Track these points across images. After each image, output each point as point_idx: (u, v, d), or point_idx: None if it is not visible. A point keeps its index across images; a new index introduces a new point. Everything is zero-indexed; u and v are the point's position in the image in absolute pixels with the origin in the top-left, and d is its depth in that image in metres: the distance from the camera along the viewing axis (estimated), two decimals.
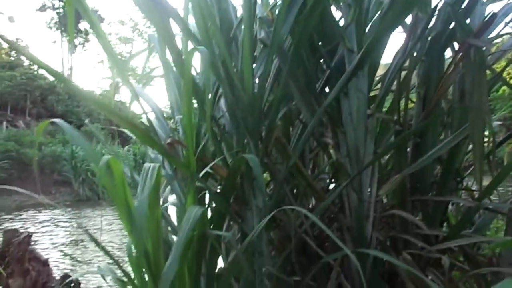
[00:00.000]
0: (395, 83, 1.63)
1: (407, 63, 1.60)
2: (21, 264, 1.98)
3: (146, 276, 1.42)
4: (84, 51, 36.33)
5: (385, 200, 1.75)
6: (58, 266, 5.43)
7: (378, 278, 1.53)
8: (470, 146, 1.53)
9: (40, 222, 9.72)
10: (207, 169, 1.42)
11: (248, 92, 1.32)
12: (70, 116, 21.39)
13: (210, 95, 1.60)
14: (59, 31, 32.90)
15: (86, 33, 31.82)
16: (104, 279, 2.72)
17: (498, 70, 1.68)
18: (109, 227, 8.99)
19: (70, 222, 10.07)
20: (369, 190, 1.52)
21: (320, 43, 1.58)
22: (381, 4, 1.62)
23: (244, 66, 1.31)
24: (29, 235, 2.05)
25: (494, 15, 1.44)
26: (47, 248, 6.65)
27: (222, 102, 1.76)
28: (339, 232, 1.63)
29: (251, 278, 1.41)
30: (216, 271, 1.50)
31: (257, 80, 1.41)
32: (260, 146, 1.42)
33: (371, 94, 1.63)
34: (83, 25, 29.95)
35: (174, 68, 1.73)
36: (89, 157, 1.37)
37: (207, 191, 1.46)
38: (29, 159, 15.47)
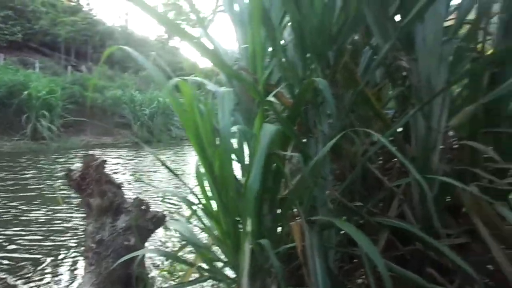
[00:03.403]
0: (474, 7, 1.51)
1: None
2: (99, 185, 2.18)
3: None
4: None
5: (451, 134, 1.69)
6: (130, 189, 6.00)
7: (441, 209, 1.52)
8: None
9: (112, 158, 10.61)
10: (272, 94, 1.43)
11: (316, 13, 1.28)
12: (129, 62, 22.08)
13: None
14: None
15: None
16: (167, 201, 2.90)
17: None
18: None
19: (134, 159, 10.86)
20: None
21: None
22: None
23: None
24: (104, 160, 2.23)
25: None
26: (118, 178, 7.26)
27: (285, 33, 1.74)
28: (403, 164, 1.62)
29: (314, 202, 1.46)
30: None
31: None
32: (327, 73, 1.40)
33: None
34: None
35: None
36: (157, 80, 1.43)
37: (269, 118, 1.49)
38: (93, 102, 16.44)
